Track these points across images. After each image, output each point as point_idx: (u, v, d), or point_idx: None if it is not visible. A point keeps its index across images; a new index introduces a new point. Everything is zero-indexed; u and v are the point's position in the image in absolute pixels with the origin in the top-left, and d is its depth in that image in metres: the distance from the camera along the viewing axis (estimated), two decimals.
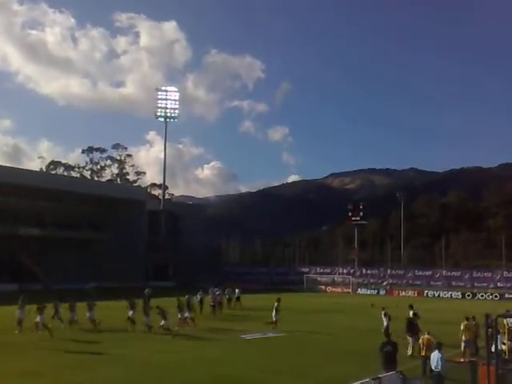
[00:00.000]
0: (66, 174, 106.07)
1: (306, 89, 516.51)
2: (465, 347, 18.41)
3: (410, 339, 19.21)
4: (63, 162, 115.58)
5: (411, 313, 22.51)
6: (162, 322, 23.83)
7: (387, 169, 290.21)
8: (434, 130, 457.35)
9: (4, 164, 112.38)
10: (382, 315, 23.61)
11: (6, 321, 26.62)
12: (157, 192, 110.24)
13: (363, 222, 78.10)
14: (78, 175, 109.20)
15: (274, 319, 25.86)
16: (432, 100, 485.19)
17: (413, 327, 19.83)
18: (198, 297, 32.71)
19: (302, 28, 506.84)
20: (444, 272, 70.68)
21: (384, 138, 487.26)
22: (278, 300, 26.99)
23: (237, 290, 38.35)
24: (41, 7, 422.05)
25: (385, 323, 22.98)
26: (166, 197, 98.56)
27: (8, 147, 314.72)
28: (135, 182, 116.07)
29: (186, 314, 26.19)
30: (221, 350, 20.39)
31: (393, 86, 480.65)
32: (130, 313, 25.54)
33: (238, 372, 16.15)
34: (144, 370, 16.15)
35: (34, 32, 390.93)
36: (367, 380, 12.50)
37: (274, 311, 26.12)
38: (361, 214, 76.65)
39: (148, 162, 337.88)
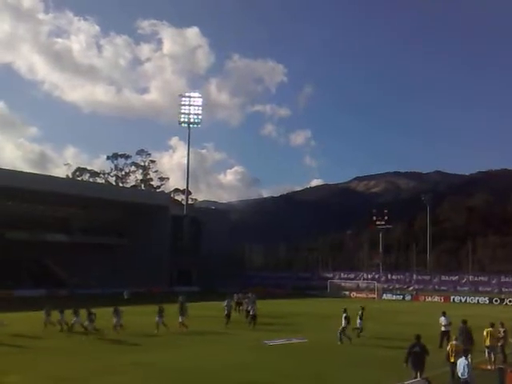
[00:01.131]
0: (91, 180, 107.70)
1: (329, 92, 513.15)
2: (489, 353, 18.05)
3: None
4: (89, 168, 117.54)
5: (443, 319, 22.25)
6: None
7: (412, 172, 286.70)
8: (460, 132, 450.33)
9: (31, 171, 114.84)
10: (343, 317, 24.06)
11: (35, 326, 27.05)
12: (180, 197, 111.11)
13: (388, 226, 77.21)
14: (103, 181, 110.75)
15: (359, 326, 25.70)
16: (458, 101, 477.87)
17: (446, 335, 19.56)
18: (225, 303, 32.32)
19: (325, 31, 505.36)
20: (471, 277, 69.29)
21: (409, 141, 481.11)
22: (363, 308, 26.90)
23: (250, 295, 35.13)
24: (66, 15, 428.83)
25: (343, 324, 23.71)
26: (189, 202, 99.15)
27: (34, 154, 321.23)
28: (159, 187, 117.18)
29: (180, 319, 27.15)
30: (246, 355, 20.42)
31: (417, 88, 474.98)
32: (157, 318, 26.37)
33: (264, 378, 16.16)
34: (172, 376, 16.28)
35: (59, 40, 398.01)
36: None
37: (359, 319, 25.96)
38: (385, 217, 75.81)
39: (171, 167, 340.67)
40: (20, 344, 22.22)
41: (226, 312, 30.00)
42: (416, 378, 13.63)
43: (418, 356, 13.78)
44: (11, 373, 13.93)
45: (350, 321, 24.17)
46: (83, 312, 26.06)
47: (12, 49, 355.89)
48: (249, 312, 30.67)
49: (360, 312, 26.46)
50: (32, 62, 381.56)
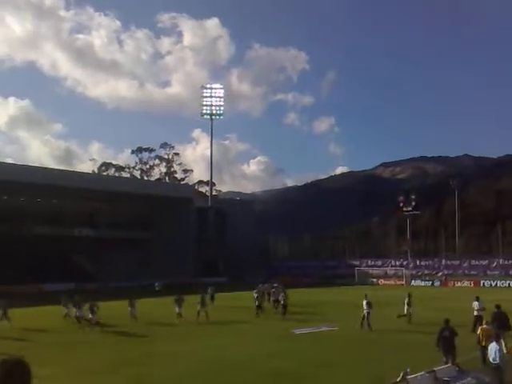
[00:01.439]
0: (116, 174, 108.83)
1: (352, 77, 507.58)
2: None
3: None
4: (114, 163, 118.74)
5: (476, 304, 21.75)
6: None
7: (439, 156, 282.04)
8: (488, 114, 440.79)
9: (57, 167, 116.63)
10: (364, 303, 24.06)
11: (61, 320, 27.43)
12: (204, 189, 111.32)
13: (415, 212, 75.99)
14: (129, 175, 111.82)
15: (406, 313, 25.60)
16: (485, 83, 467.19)
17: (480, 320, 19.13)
18: (255, 294, 32.28)
19: (346, 15, 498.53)
20: (501, 261, 67.75)
21: (436, 125, 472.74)
22: (409, 295, 26.65)
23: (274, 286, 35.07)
24: (86, 11, 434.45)
25: (365, 310, 23.67)
26: (214, 193, 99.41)
27: (60, 151, 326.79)
28: (183, 179, 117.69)
29: (198, 308, 27.50)
30: (274, 345, 20.31)
31: (443, 71, 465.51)
32: (177, 309, 26.87)
33: (291, 367, 16.01)
34: (198, 366, 16.25)
35: (81, 36, 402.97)
36: (422, 373, 12.15)
37: (406, 305, 25.84)
38: (413, 203, 74.61)
39: (195, 159, 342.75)
40: (46, 338, 22.51)
41: (256, 303, 29.71)
42: (447, 362, 13.59)
43: (447, 340, 13.86)
44: (42, 366, 14.06)
45: (372, 306, 24.17)
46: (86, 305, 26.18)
47: (35, 47, 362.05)
48: (278, 302, 30.48)
49: (407, 299, 26.22)
50: (55, 59, 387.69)
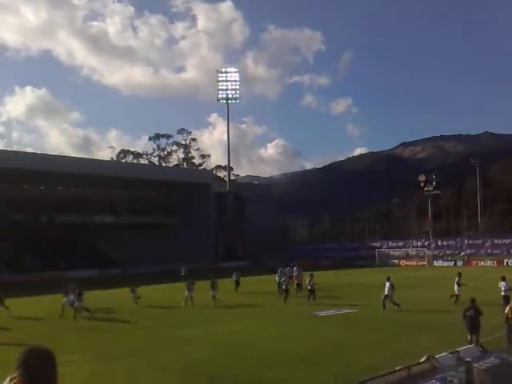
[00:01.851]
0: (135, 161, 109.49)
1: (370, 56, 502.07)
2: None
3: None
4: (132, 150, 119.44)
5: (503, 284, 21.30)
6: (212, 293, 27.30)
7: (460, 134, 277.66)
8: (509, 90, 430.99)
9: (76, 155, 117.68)
10: (387, 285, 23.91)
11: (90, 305, 27.66)
12: (222, 174, 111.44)
13: (436, 191, 74.94)
14: (147, 162, 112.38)
15: (457, 293, 25.08)
16: (506, 55, 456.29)
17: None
18: (277, 278, 32.19)
19: None
20: None
21: (455, 102, 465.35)
22: (459, 274, 26.13)
23: (294, 269, 34.68)
24: None
25: (386, 292, 23.55)
26: (232, 178, 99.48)
27: (78, 139, 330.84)
28: (201, 165, 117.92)
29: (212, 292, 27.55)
30: (295, 327, 20.24)
31: (461, 46, 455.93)
32: (187, 292, 27.50)
33: (313, 348, 15.92)
34: (218, 349, 16.21)
35: (95, 23, 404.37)
36: (444, 354, 11.91)
37: (456, 285, 25.44)
38: (434, 183, 73.55)
39: (212, 144, 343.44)
40: (68, 324, 22.74)
41: (283, 287, 29.24)
42: (471, 341, 13.58)
43: (472, 319, 13.93)
44: (68, 352, 14.18)
45: (395, 288, 24.02)
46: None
47: (50, 36, 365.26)
48: (300, 286, 30.28)
49: (457, 278, 25.69)
50: (70, 48, 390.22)
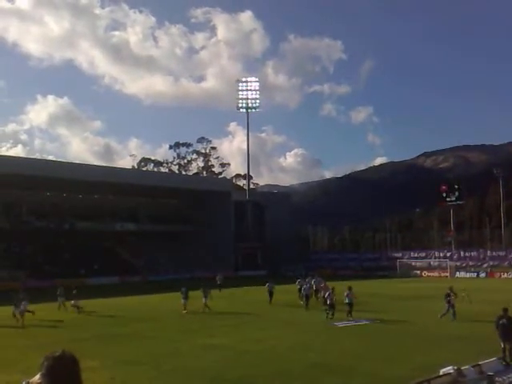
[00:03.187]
0: (155, 169, 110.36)
1: (391, 65, 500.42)
2: None
3: None
4: (152, 158, 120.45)
5: None
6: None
7: (483, 144, 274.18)
8: None
9: (97, 163, 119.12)
10: (447, 299, 23.38)
11: (111, 312, 27.93)
12: (241, 182, 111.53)
13: (459, 202, 73.81)
14: (167, 170, 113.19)
15: (445, 312, 24.37)
16: None
17: None
18: (298, 285, 32.29)
19: (381, 1, 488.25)
20: None
21: (478, 112, 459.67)
22: (451, 289, 25.39)
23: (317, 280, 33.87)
24: (122, 8, 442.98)
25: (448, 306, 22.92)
26: (251, 187, 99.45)
27: (100, 147, 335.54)
28: (220, 173, 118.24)
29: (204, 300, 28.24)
30: (314, 337, 20.10)
31: (487, 53, 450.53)
32: (183, 301, 28.20)
33: (331, 359, 15.80)
34: (239, 358, 16.22)
35: (116, 33, 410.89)
36: (466, 367, 11.71)
37: (446, 303, 24.86)
38: (456, 193, 72.47)
39: (231, 152, 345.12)
40: (90, 330, 22.87)
41: (304, 293, 29.43)
42: (504, 349, 13.92)
43: (505, 328, 14.13)
44: (89, 358, 14.23)
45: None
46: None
47: (72, 45, 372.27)
48: (319, 296, 29.71)
49: (449, 292, 24.95)
50: (92, 57, 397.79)
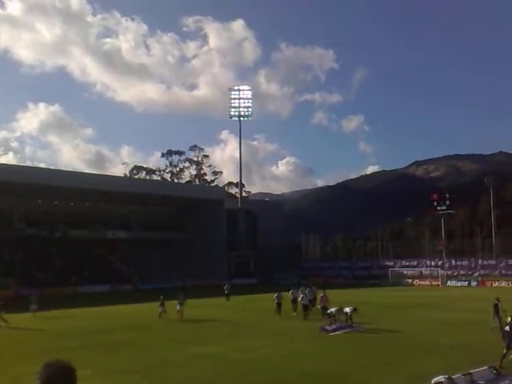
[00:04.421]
0: (148, 177, 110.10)
1: (383, 74, 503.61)
2: None
3: None
4: (145, 166, 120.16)
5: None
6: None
7: (473, 154, 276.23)
8: None
9: (88, 171, 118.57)
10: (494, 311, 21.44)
11: (102, 321, 27.75)
12: (234, 190, 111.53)
13: (450, 211, 74.20)
14: (159, 178, 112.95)
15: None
16: None
17: None
18: (291, 295, 31.32)
19: (374, 12, 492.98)
20: None
21: (470, 122, 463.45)
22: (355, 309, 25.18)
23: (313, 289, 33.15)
24: (113, 16, 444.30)
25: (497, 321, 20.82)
26: (243, 195, 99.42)
27: (91, 154, 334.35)
28: (213, 181, 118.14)
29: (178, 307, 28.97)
30: (306, 346, 20.08)
31: (478, 66, 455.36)
32: (160, 308, 28.59)
33: (324, 367, 15.80)
34: (230, 367, 16.15)
35: (108, 40, 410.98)
36: (458, 375, 11.79)
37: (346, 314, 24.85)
38: (447, 202, 72.87)
39: (224, 160, 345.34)
40: (81, 339, 22.71)
41: (304, 302, 28.76)
42: (505, 355, 14.40)
43: (509, 334, 14.75)
44: (81, 367, 14.07)
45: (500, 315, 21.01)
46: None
47: (64, 52, 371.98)
48: (325, 309, 27.48)
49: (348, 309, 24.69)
50: (83, 64, 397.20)
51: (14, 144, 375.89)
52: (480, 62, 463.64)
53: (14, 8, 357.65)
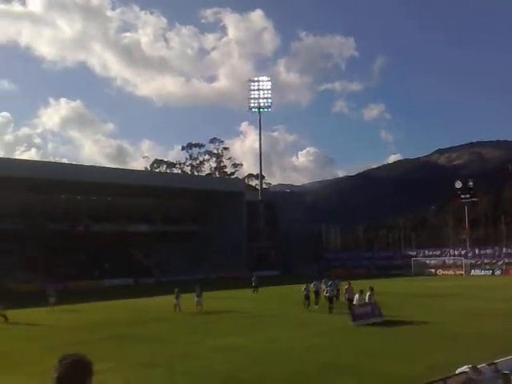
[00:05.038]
0: (168, 171, 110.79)
1: (404, 61, 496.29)
2: None
3: None
4: (165, 159, 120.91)
5: None
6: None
7: (497, 140, 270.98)
8: None
9: (109, 165, 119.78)
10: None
11: (125, 314, 28.00)
12: (254, 182, 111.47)
13: (474, 199, 72.98)
14: (180, 171, 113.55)
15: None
16: None
17: None
18: (313, 287, 30.76)
19: None
20: None
21: (492, 107, 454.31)
22: (371, 289, 25.32)
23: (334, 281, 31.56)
24: (132, 9, 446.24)
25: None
26: (264, 186, 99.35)
27: (112, 149, 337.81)
28: (233, 174, 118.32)
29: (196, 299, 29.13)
30: (330, 338, 19.91)
31: (500, 48, 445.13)
32: (175, 301, 28.63)
33: (347, 359, 15.62)
34: (252, 358, 16.11)
35: (128, 34, 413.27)
36: (483, 365, 11.55)
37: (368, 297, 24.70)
38: (471, 190, 71.69)
39: (243, 152, 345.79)
40: (103, 332, 22.95)
41: (327, 294, 28.18)
42: None
43: None
44: (103, 360, 14.19)
45: None
46: None
47: (84, 47, 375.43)
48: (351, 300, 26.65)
49: (369, 293, 24.53)
50: (104, 59, 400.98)
51: (37, 140, 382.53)
52: (503, 46, 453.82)
53: (35, 5, 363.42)
